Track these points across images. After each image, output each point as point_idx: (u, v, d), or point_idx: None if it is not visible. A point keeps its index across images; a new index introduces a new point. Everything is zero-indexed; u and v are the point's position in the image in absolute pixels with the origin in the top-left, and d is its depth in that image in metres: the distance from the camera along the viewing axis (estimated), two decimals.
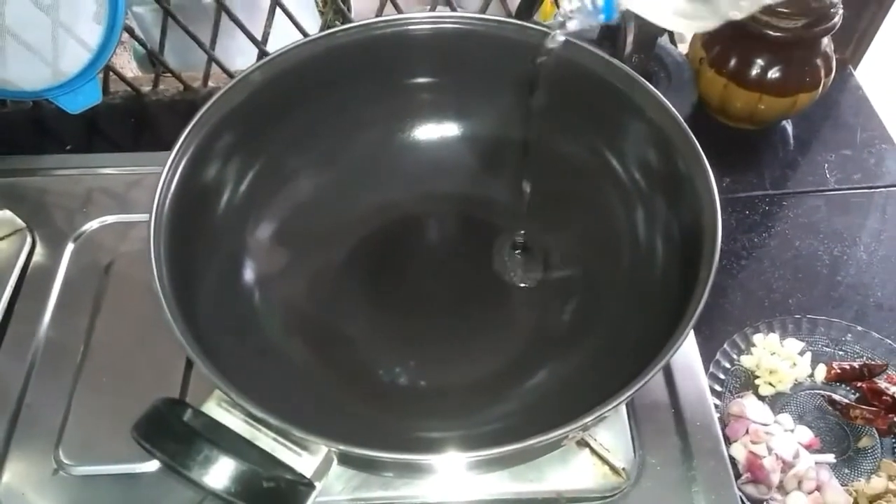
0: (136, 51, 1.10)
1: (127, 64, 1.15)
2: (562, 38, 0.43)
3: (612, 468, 0.50)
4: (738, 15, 0.38)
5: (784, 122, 0.76)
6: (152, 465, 0.50)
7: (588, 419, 0.36)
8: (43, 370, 0.55)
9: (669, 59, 0.67)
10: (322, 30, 0.56)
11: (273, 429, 0.37)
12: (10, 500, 0.49)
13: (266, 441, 0.37)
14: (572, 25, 0.41)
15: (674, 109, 0.48)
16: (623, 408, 0.53)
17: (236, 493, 0.32)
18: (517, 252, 0.57)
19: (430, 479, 0.49)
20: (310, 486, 0.36)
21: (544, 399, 0.49)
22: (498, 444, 0.36)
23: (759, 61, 0.67)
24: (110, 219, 0.63)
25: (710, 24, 0.39)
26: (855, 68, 0.81)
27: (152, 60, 0.78)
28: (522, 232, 0.56)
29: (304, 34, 0.73)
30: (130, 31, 0.73)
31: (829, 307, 0.63)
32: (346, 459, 0.38)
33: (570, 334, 0.53)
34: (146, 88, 0.79)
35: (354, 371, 0.52)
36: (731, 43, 0.69)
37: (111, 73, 0.77)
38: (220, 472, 0.33)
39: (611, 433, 0.51)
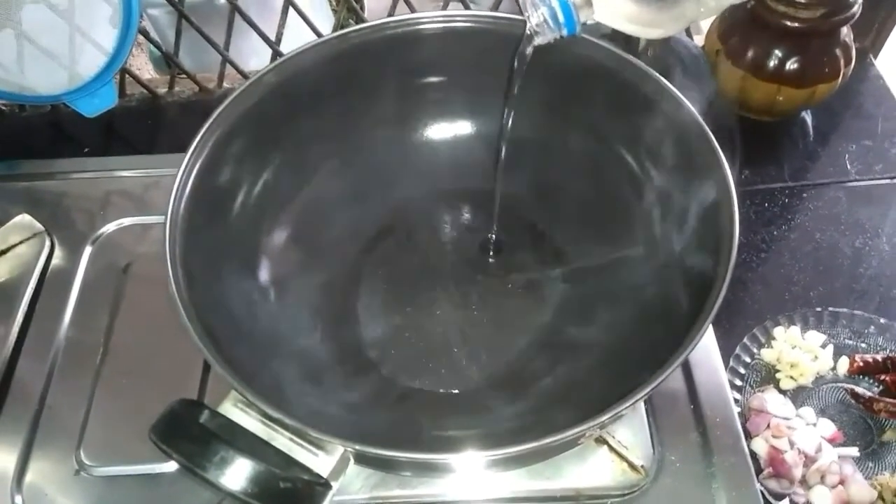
0: (152, 53, 1.11)
1: (144, 66, 1.16)
2: (533, 47, 0.45)
3: (631, 465, 0.50)
4: (701, 17, 0.39)
5: (804, 114, 0.75)
6: (172, 466, 0.50)
7: (605, 417, 0.36)
8: (63, 372, 0.55)
9: (685, 51, 0.67)
10: (335, 29, 0.56)
11: (289, 429, 0.37)
12: (34, 500, 0.50)
13: (282, 441, 0.37)
14: (540, 40, 0.43)
15: (688, 103, 0.47)
16: (641, 404, 0.52)
17: (253, 493, 0.32)
18: (532, 249, 0.57)
19: (447, 478, 0.49)
20: (326, 486, 0.36)
21: (561, 397, 0.49)
22: (515, 442, 0.36)
23: (777, 52, 0.66)
24: (128, 221, 0.64)
25: (673, 29, 0.40)
26: (875, 58, 0.79)
27: (168, 62, 0.79)
28: (538, 228, 0.56)
29: (318, 34, 0.73)
30: (145, 33, 0.73)
31: (851, 299, 0.62)
32: (362, 459, 0.38)
33: (586, 330, 0.52)
34: (162, 90, 0.79)
35: (370, 370, 0.52)
36: (748, 34, 0.68)
37: (127, 76, 0.77)
38: (237, 473, 0.33)
39: (629, 430, 0.51)
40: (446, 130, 0.59)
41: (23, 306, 0.58)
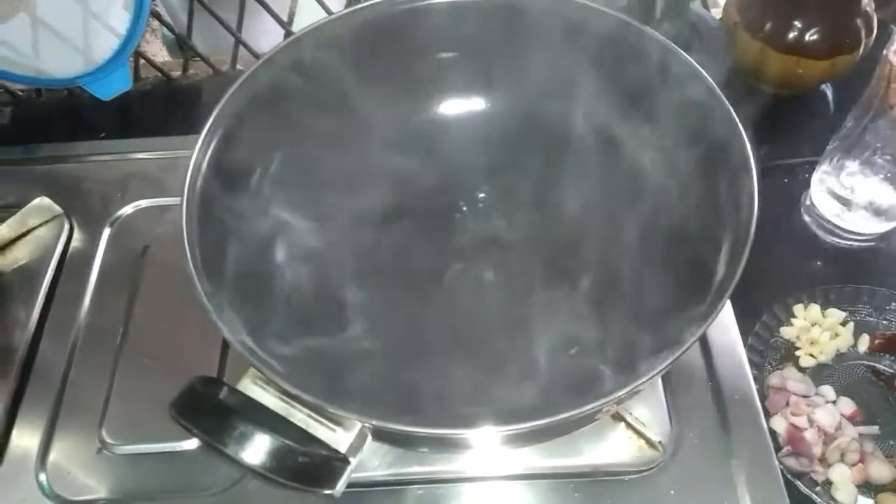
0: (166, 37, 1.11)
1: (158, 52, 1.16)
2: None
3: (649, 442, 0.50)
4: None
5: (824, 87, 0.74)
6: (193, 444, 0.51)
7: (622, 392, 0.36)
8: (84, 353, 0.56)
9: (702, 24, 0.66)
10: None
11: (307, 405, 0.37)
12: (58, 479, 0.51)
13: (300, 417, 0.37)
14: None
15: (707, 76, 0.46)
16: (659, 381, 0.52)
17: (271, 468, 0.33)
18: (547, 224, 0.56)
19: (465, 455, 0.49)
20: (345, 461, 0.36)
21: (579, 372, 0.49)
22: (532, 417, 0.36)
23: (796, 23, 0.65)
24: (145, 203, 0.64)
25: None
26: None
27: (181, 45, 0.79)
28: (554, 204, 0.56)
29: (329, 13, 0.73)
30: (158, 16, 0.73)
31: (872, 275, 0.61)
32: (380, 434, 0.38)
33: (603, 307, 0.52)
34: (176, 73, 0.79)
35: (386, 346, 0.52)
36: (766, 5, 0.66)
37: (142, 60, 0.77)
38: (256, 448, 0.33)
39: (647, 407, 0.51)
40: (459, 106, 0.59)
41: (44, 288, 0.59)
